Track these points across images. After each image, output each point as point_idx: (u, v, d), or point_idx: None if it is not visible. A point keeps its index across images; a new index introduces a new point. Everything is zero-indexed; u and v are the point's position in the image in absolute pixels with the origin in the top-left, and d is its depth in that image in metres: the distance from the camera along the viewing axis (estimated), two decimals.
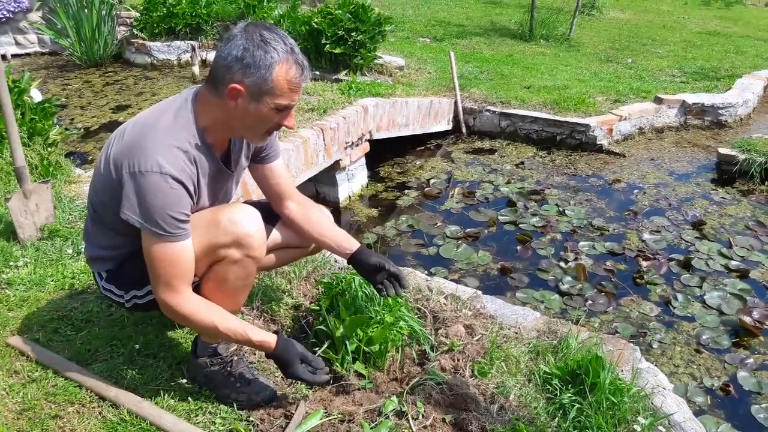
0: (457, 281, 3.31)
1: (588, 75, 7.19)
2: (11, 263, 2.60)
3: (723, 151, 5.26)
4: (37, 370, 1.97)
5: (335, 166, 4.57)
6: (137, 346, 2.08)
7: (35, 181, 3.03)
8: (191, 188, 1.62)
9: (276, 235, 2.06)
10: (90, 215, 1.83)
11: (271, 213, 2.04)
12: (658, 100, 6.07)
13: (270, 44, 1.56)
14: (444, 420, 1.88)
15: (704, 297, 3.53)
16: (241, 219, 1.69)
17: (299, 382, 1.92)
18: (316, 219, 2.03)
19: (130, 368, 1.99)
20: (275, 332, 1.88)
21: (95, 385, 1.90)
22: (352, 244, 1.99)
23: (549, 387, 2.03)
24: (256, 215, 1.74)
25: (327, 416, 1.85)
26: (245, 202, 2.03)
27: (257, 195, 3.54)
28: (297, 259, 2.30)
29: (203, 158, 1.67)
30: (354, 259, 1.98)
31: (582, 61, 7.96)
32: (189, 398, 1.88)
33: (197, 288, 1.75)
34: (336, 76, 6.06)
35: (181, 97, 1.70)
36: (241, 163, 1.89)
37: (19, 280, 2.47)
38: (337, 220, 2.23)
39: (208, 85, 1.64)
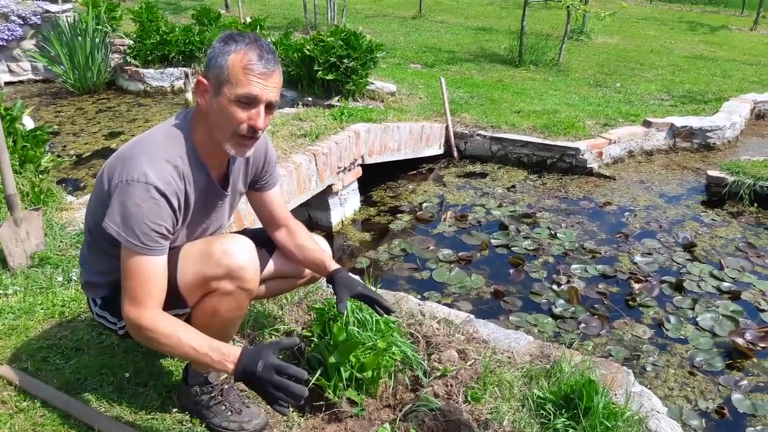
0: (450, 305, 3.30)
1: (577, 99, 7.27)
2: (0, 291, 2.58)
3: (712, 173, 5.31)
4: (25, 400, 1.94)
5: (328, 191, 4.58)
6: (127, 375, 2.06)
7: (26, 208, 3.02)
8: (176, 203, 1.61)
9: (271, 265, 2.05)
10: (86, 240, 1.82)
11: (267, 242, 2.03)
12: (647, 124, 6.14)
13: (234, 38, 1.60)
14: None
15: (697, 319, 3.53)
16: (234, 251, 1.68)
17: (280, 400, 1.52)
18: (302, 242, 2.01)
19: (119, 397, 1.97)
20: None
21: (84, 415, 1.87)
22: (327, 267, 1.95)
23: (543, 412, 2.02)
24: (250, 247, 1.72)
25: None
26: (241, 232, 2.03)
27: (250, 223, 3.54)
28: (292, 289, 2.27)
29: (194, 174, 1.67)
30: (331, 281, 1.94)
31: (571, 85, 8.06)
32: (179, 427, 1.86)
33: (188, 319, 1.73)
34: (328, 102, 6.11)
35: (180, 115, 1.72)
36: (238, 187, 1.89)
37: (9, 309, 2.45)
38: (330, 245, 2.22)
39: None
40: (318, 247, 2.03)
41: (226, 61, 1.57)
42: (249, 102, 1.59)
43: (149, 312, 1.59)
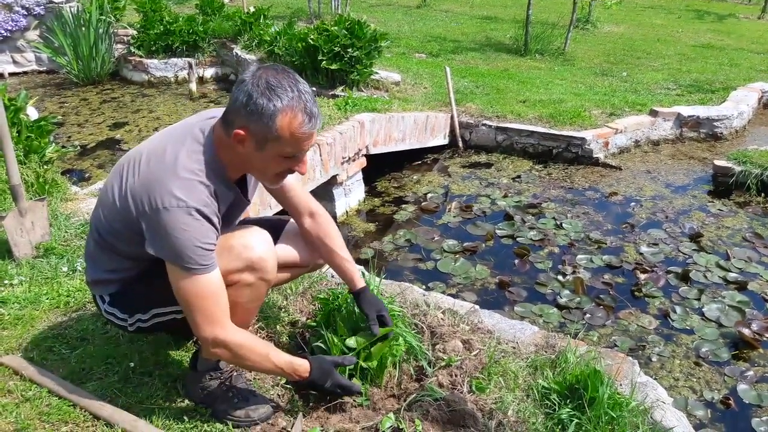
0: (454, 296, 3.30)
1: (583, 89, 7.22)
2: (6, 281, 2.59)
3: (719, 163, 5.27)
4: (31, 390, 1.95)
5: (332, 182, 4.58)
6: (132, 364, 2.06)
7: (31, 198, 3.02)
8: (216, 221, 1.61)
9: (279, 255, 2.05)
10: (94, 238, 1.79)
11: (271, 232, 2.03)
12: (654, 113, 6.10)
13: (275, 92, 1.53)
14: None
15: (703, 309, 3.52)
16: (254, 243, 1.71)
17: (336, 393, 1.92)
18: (333, 246, 2.03)
19: (125, 387, 1.98)
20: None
21: (90, 404, 1.88)
22: (356, 283, 2.03)
23: (547, 402, 2.02)
24: (267, 238, 1.75)
25: None
26: (246, 221, 2.03)
27: (254, 212, 3.54)
28: (297, 277, 2.29)
29: (224, 192, 1.67)
30: (357, 298, 2.04)
31: (577, 75, 8.01)
32: (184, 417, 1.86)
33: None
34: (333, 92, 6.08)
35: (197, 128, 1.66)
36: (254, 189, 1.92)
37: (14, 299, 2.45)
38: None
39: (223, 122, 1.62)
40: (350, 259, 2.06)
41: (274, 123, 1.53)
42: (296, 156, 1.63)
43: (229, 329, 1.64)
